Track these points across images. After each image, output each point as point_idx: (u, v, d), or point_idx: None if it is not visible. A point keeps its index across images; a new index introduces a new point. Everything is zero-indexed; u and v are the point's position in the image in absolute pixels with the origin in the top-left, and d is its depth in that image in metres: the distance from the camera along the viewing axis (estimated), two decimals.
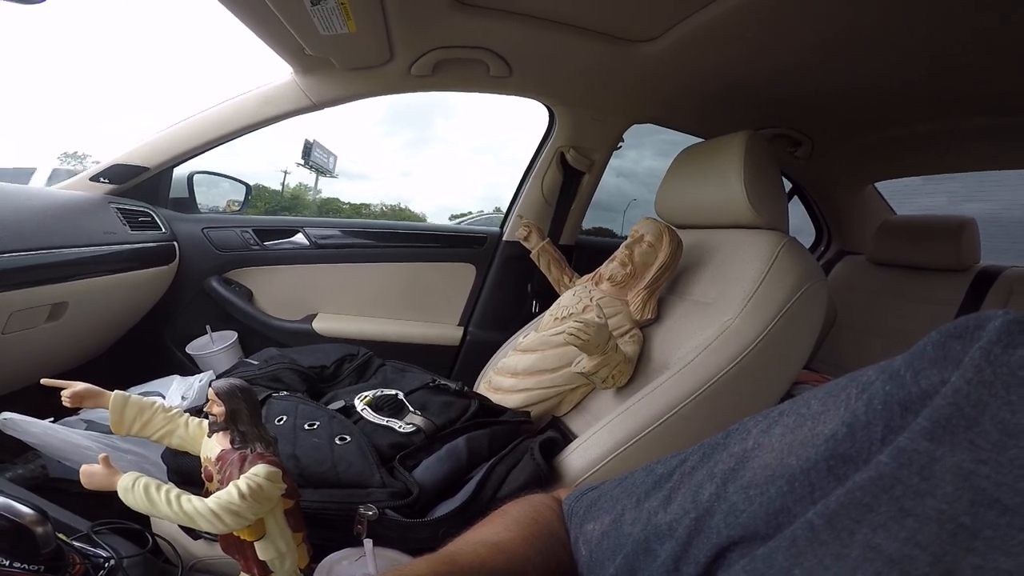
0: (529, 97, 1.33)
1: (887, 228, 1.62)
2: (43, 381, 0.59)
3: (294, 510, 0.53)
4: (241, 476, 0.47)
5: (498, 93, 1.30)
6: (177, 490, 0.45)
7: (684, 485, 0.30)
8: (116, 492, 0.46)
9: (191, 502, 0.45)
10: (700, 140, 1.17)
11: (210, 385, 0.53)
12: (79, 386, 0.57)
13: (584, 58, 1.08)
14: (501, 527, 0.38)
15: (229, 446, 0.51)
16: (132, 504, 0.45)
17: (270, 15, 0.86)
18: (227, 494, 0.45)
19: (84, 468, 0.47)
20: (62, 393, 0.57)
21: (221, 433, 0.53)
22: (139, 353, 1.31)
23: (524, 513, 0.40)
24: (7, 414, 0.77)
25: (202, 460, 0.55)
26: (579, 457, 0.77)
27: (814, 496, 0.23)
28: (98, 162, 1.23)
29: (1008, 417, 0.19)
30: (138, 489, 0.45)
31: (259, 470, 0.47)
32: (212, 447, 0.53)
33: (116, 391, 0.57)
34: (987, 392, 0.20)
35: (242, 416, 0.51)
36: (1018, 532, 0.17)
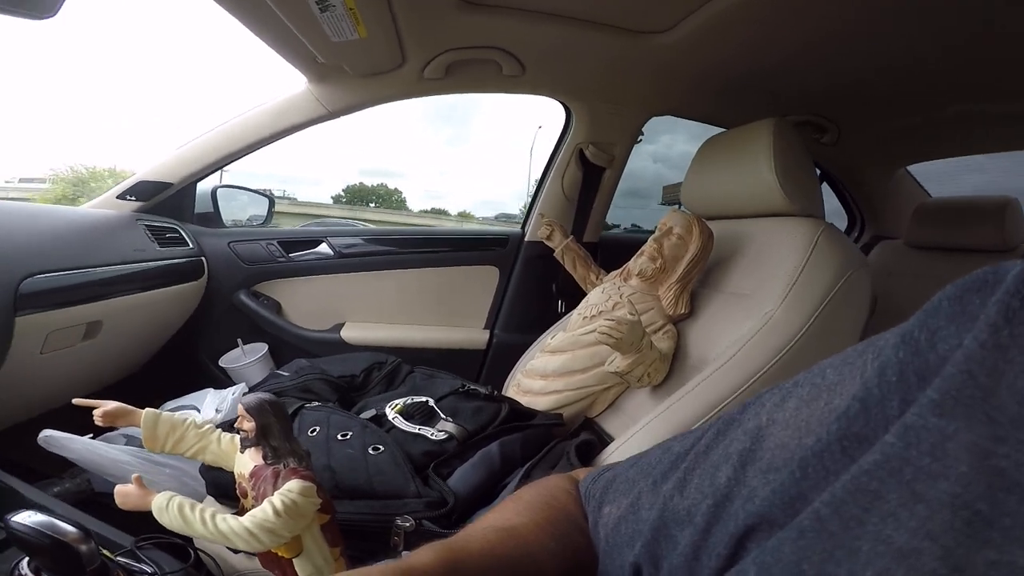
0: (544, 95, 1.31)
1: (924, 211, 1.56)
2: (75, 401, 0.59)
3: (330, 524, 0.52)
4: (275, 493, 0.46)
5: (513, 92, 1.28)
6: (212, 509, 0.45)
7: (699, 466, 0.28)
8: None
9: (226, 521, 0.44)
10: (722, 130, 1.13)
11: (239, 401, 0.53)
12: (110, 405, 0.57)
13: (597, 52, 1.06)
14: (513, 512, 0.36)
15: (262, 461, 0.50)
16: (167, 524, 0.45)
17: (281, 25, 0.86)
18: (262, 512, 0.44)
19: (118, 488, 0.47)
20: (94, 413, 0.57)
21: (253, 449, 0.52)
22: (175, 368, 1.33)
23: (538, 497, 0.38)
24: (48, 432, 0.79)
25: (236, 476, 0.55)
26: (619, 460, 0.74)
27: (829, 480, 0.20)
28: None
29: None
30: (172, 509, 0.44)
31: (293, 486, 0.46)
32: (245, 463, 0.52)
33: (147, 409, 0.57)
34: (1003, 358, 0.16)
35: (273, 431, 0.50)
36: None
